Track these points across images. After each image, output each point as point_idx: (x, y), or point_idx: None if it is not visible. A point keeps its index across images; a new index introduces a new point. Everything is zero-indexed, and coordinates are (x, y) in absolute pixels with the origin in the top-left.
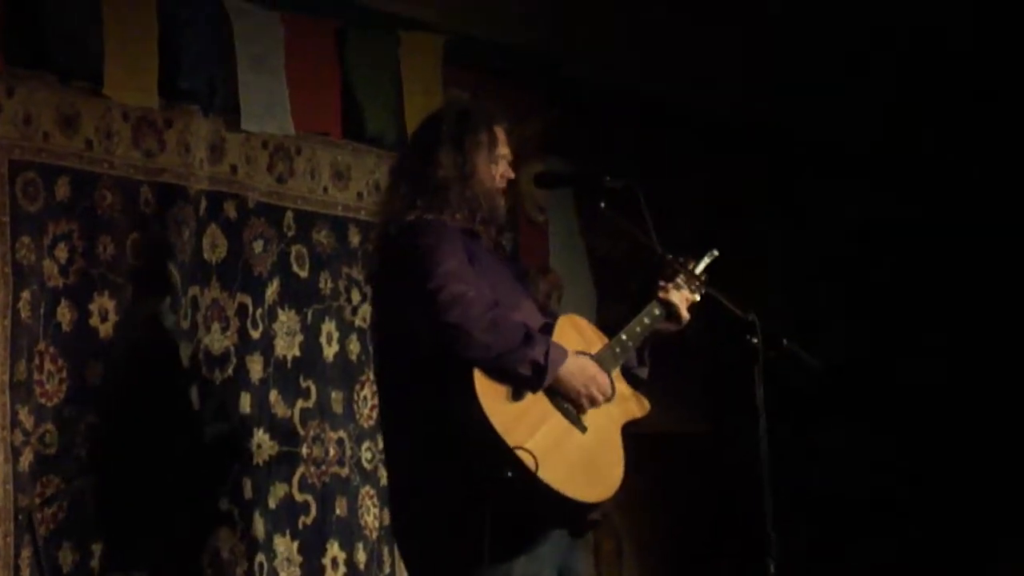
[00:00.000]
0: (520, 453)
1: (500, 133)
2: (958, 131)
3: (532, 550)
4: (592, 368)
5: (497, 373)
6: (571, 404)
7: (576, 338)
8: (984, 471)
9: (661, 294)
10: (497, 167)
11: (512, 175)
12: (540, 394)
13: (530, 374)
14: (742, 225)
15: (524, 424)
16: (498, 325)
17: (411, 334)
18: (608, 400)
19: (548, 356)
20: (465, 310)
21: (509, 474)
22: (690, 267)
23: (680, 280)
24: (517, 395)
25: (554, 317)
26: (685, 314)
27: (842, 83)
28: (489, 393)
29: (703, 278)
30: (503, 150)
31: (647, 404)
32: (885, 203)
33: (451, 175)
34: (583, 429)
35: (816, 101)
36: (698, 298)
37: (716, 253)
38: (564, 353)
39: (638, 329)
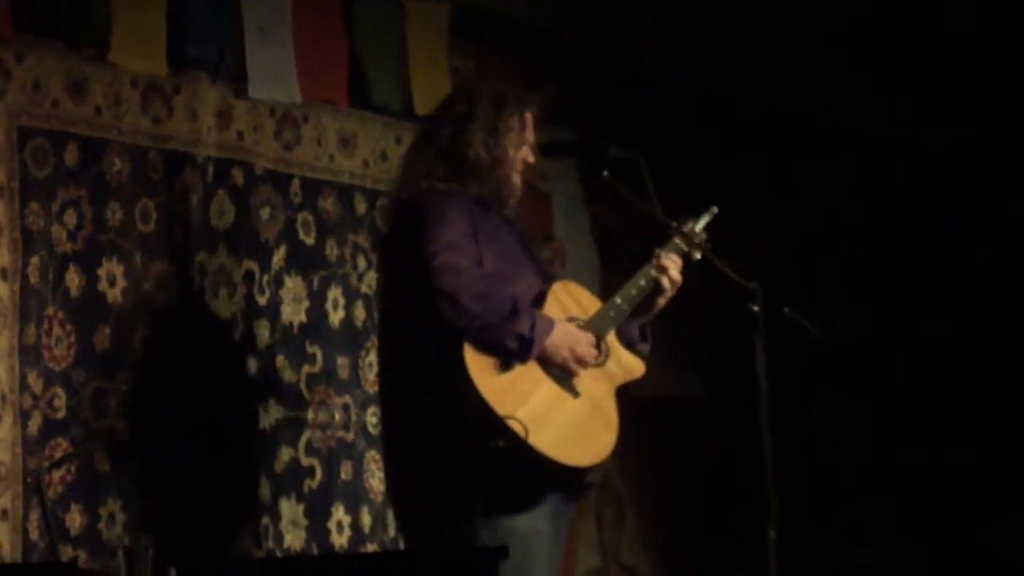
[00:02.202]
0: (511, 422)
1: (530, 118)
2: (960, 107)
3: (530, 513)
4: (574, 332)
5: (484, 344)
6: (561, 371)
7: (571, 303)
8: (985, 438)
9: (655, 260)
10: (520, 151)
11: (532, 159)
12: (531, 363)
13: (517, 347)
14: (743, 199)
15: (515, 393)
16: (487, 296)
17: (408, 299)
18: (600, 364)
19: (534, 329)
20: (456, 278)
21: (501, 443)
22: (688, 226)
23: (676, 241)
24: (506, 365)
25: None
26: (677, 278)
27: (844, 59)
28: (479, 364)
29: (703, 237)
30: (530, 135)
31: (642, 366)
32: (885, 179)
33: (481, 155)
34: (575, 394)
35: (818, 77)
36: (699, 256)
37: (716, 210)
38: (551, 324)
39: (633, 291)
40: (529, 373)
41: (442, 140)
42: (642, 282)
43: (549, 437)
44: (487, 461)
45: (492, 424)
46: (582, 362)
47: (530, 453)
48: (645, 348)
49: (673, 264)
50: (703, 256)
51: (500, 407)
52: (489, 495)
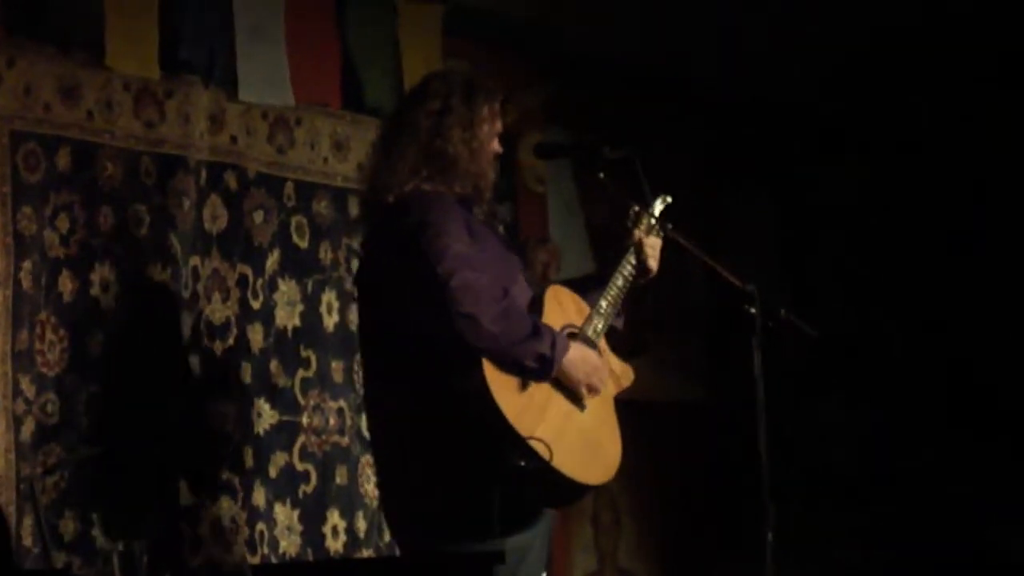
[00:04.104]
0: (534, 443)
1: (497, 108)
2: (957, 106)
3: (528, 528)
4: (593, 358)
5: (504, 363)
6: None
7: (567, 310)
8: (984, 439)
9: (634, 246)
10: (492, 143)
11: (501, 150)
12: None
13: (537, 367)
14: (740, 199)
15: (532, 411)
16: (508, 316)
17: (414, 318)
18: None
19: (555, 348)
20: (477, 299)
21: (522, 463)
22: (646, 219)
23: (640, 228)
24: (524, 384)
25: (542, 289)
26: (654, 263)
27: (839, 59)
28: (498, 381)
29: (656, 225)
30: (498, 125)
31: (632, 373)
32: (885, 179)
33: (460, 150)
34: (582, 408)
35: (817, 77)
36: (659, 243)
37: (669, 199)
38: (567, 344)
39: (613, 292)
40: (541, 389)
41: (420, 136)
42: (620, 282)
43: (567, 456)
44: (501, 482)
45: (513, 443)
46: (594, 389)
47: (551, 474)
48: (620, 322)
49: (651, 244)
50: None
51: (521, 426)
52: (496, 515)
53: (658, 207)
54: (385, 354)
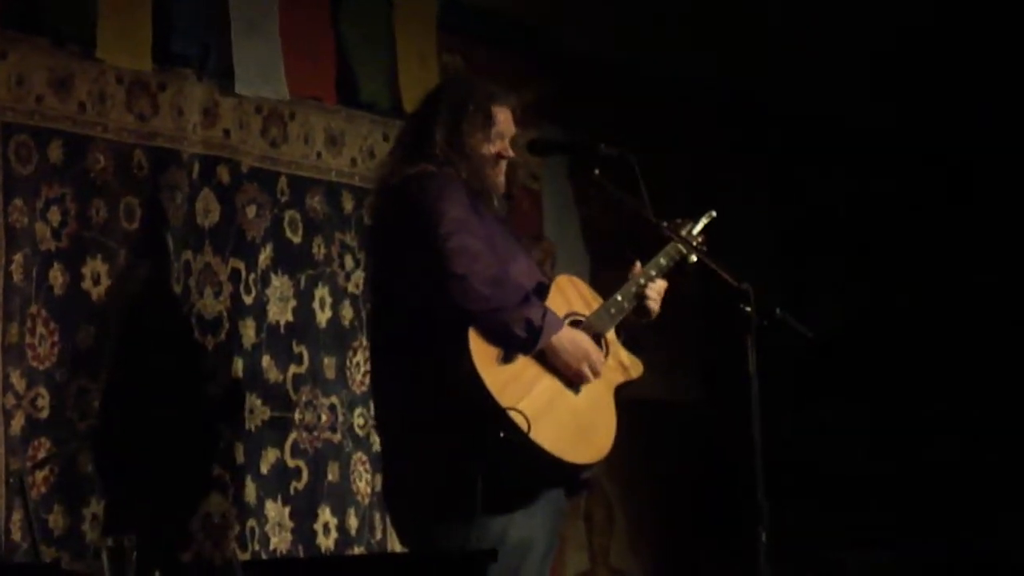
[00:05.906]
0: (513, 414)
1: (499, 112)
2: (954, 103)
3: (528, 510)
4: (586, 344)
5: (491, 330)
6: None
7: (573, 298)
8: (978, 441)
9: (639, 285)
10: (493, 145)
11: (511, 153)
12: (535, 358)
13: (524, 334)
14: (736, 198)
15: (517, 385)
16: (501, 281)
17: (410, 283)
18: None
19: (544, 319)
20: (471, 261)
21: (502, 434)
22: (686, 229)
23: (675, 244)
24: (509, 358)
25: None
26: (655, 305)
27: (837, 56)
28: (483, 353)
29: (700, 239)
30: (501, 128)
31: (641, 366)
32: (879, 176)
33: (449, 154)
34: (576, 391)
35: (810, 74)
36: (695, 259)
37: (714, 214)
38: (560, 323)
39: (633, 289)
40: (531, 367)
41: (409, 141)
42: (642, 280)
43: (550, 432)
44: (485, 453)
45: (494, 414)
46: (583, 378)
47: (530, 447)
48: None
49: (655, 291)
50: (698, 259)
51: (503, 397)
52: (486, 490)
53: (702, 222)
54: (382, 335)
